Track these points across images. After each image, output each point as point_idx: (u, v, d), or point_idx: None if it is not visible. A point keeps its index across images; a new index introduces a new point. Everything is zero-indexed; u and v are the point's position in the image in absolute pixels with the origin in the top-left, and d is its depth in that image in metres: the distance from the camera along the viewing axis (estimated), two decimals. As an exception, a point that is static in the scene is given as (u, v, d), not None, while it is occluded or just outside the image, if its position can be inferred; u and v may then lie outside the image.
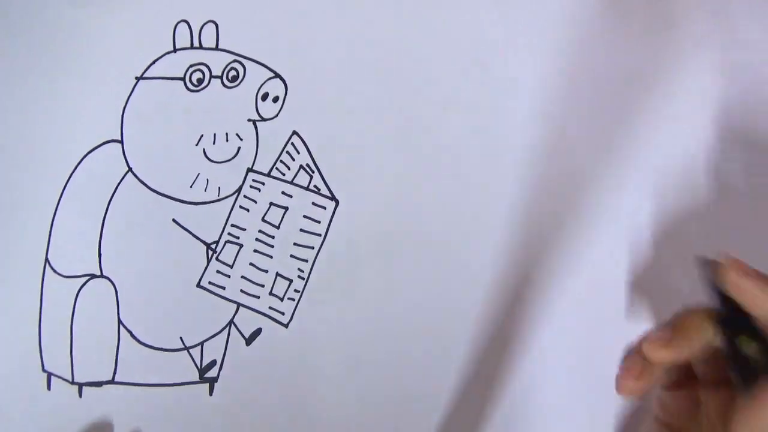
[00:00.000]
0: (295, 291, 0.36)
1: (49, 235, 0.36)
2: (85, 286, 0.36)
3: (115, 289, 0.36)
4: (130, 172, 0.36)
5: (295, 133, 0.37)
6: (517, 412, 0.33)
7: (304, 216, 0.36)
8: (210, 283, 0.36)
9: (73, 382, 0.35)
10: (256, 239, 0.36)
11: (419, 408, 0.36)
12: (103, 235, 0.36)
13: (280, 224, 0.36)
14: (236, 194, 0.37)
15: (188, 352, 0.36)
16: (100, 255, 0.36)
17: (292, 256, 0.36)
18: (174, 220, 0.36)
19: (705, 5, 0.38)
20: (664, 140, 0.38)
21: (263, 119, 0.37)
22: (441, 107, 0.37)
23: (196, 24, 0.37)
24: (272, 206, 0.37)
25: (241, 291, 0.36)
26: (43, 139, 0.36)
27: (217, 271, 0.36)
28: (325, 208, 0.37)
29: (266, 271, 0.36)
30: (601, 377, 0.32)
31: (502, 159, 0.37)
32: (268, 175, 0.37)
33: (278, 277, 0.36)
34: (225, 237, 0.36)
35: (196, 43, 0.37)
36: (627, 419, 0.34)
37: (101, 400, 0.35)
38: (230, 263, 0.36)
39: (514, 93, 0.37)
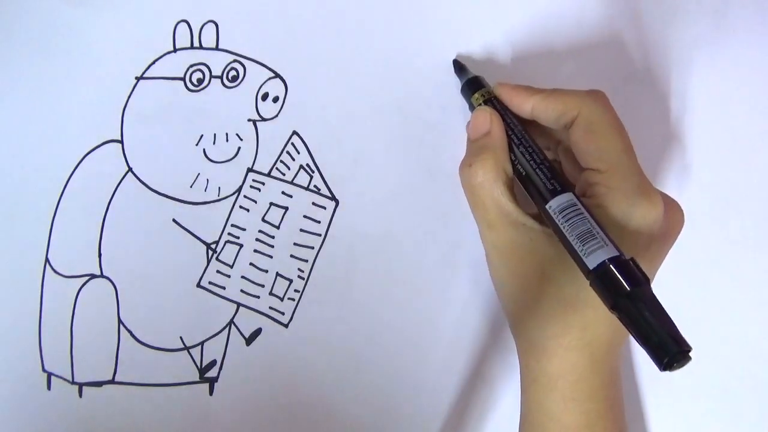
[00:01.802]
0: (295, 291, 0.36)
1: (49, 235, 0.36)
2: (85, 286, 0.36)
3: (115, 289, 0.36)
4: (130, 172, 0.36)
5: (295, 133, 0.37)
6: (516, 412, 0.33)
7: (304, 216, 0.36)
8: (210, 283, 0.36)
9: (73, 382, 0.35)
10: (256, 239, 0.36)
11: (419, 408, 0.36)
12: (103, 235, 0.36)
13: (280, 224, 0.36)
14: (236, 194, 0.37)
15: (188, 352, 0.36)
16: (100, 255, 0.36)
17: (292, 256, 0.36)
18: (174, 220, 0.36)
19: (705, 5, 0.38)
20: (665, 140, 0.38)
21: (263, 119, 0.37)
22: (441, 107, 0.37)
23: (196, 24, 0.37)
24: (272, 206, 0.37)
25: (241, 291, 0.36)
26: (43, 139, 0.36)
27: (217, 271, 0.36)
28: (325, 208, 0.37)
29: (266, 271, 0.36)
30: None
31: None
32: (268, 175, 0.37)
33: (278, 277, 0.36)
34: (225, 237, 0.36)
35: (196, 43, 0.37)
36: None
37: (101, 400, 0.35)
38: (230, 263, 0.36)
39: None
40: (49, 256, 0.36)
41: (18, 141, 0.36)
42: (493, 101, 0.33)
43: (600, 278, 0.26)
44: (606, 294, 0.26)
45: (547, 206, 0.29)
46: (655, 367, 0.24)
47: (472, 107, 0.34)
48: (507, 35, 0.37)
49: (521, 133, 0.32)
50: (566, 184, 0.30)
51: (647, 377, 0.36)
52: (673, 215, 0.31)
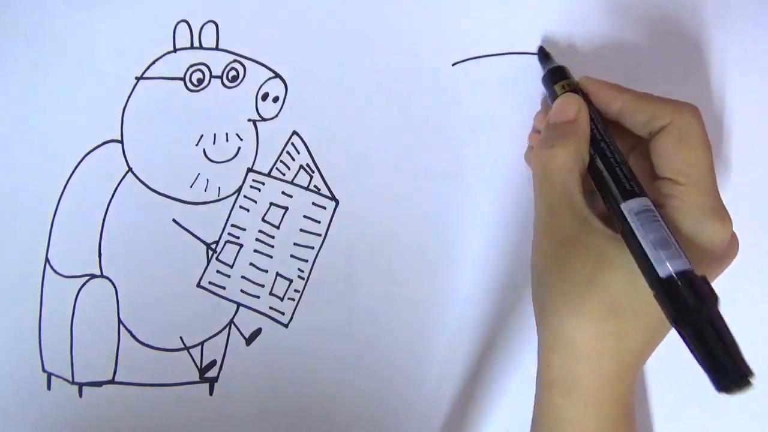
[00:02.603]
0: (295, 291, 0.36)
1: (49, 235, 0.36)
2: (85, 286, 0.36)
3: (115, 289, 0.36)
4: (130, 172, 0.36)
5: (295, 133, 0.37)
6: (516, 412, 0.33)
7: (304, 216, 0.36)
8: (210, 283, 0.36)
9: (73, 382, 0.35)
10: (256, 239, 0.36)
11: (419, 408, 0.36)
12: (103, 235, 0.36)
13: (280, 224, 0.36)
14: (236, 194, 0.37)
15: (188, 352, 0.36)
16: (100, 255, 0.36)
17: (292, 256, 0.36)
18: (174, 220, 0.36)
19: (705, 5, 0.38)
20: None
21: (263, 119, 0.37)
22: (441, 107, 0.37)
23: (196, 24, 0.37)
24: (272, 206, 0.37)
25: (241, 291, 0.36)
26: (43, 139, 0.36)
27: (217, 271, 0.36)
28: (325, 208, 0.37)
29: (266, 271, 0.36)
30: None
31: (502, 158, 0.37)
32: (268, 175, 0.37)
33: (278, 277, 0.36)
34: (225, 237, 0.36)
35: (196, 43, 0.37)
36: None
37: (101, 400, 0.35)
38: (230, 263, 0.36)
39: (514, 93, 0.37)
40: (49, 256, 0.36)
41: (18, 141, 0.36)
42: (577, 93, 0.33)
43: (667, 289, 0.25)
44: (671, 306, 0.25)
45: (622, 206, 0.28)
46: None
47: (553, 95, 0.34)
48: (504, 32, 0.37)
49: (604, 128, 0.31)
50: (642, 189, 0.29)
51: (653, 380, 0.36)
52: (731, 242, 0.31)
